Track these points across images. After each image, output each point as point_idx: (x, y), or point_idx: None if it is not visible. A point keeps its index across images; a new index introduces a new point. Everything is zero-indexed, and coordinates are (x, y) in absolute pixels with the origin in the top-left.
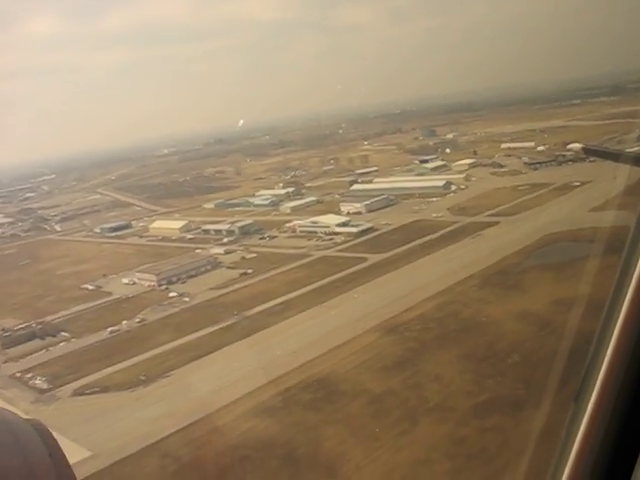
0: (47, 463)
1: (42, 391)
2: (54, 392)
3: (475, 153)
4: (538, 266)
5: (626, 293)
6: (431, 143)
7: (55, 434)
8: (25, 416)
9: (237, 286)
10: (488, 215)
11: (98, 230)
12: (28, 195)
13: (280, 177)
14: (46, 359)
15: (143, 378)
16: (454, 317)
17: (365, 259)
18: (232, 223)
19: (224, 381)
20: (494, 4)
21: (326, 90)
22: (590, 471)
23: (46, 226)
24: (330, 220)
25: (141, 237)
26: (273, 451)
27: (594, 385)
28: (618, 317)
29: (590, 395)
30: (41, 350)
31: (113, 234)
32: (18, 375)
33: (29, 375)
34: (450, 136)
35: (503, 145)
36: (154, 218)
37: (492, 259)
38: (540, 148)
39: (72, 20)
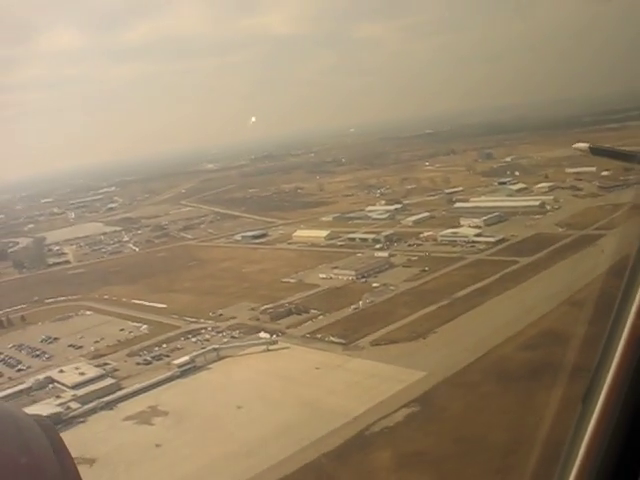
0: (51, 458)
1: (343, 344)
2: (356, 344)
3: (547, 177)
4: None
5: (636, 293)
6: (495, 166)
7: (390, 366)
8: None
9: (425, 279)
10: (593, 229)
11: (239, 237)
12: (110, 205)
13: (368, 194)
14: (320, 326)
15: (414, 335)
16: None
17: (517, 261)
18: (377, 233)
19: (479, 336)
20: (516, 20)
21: (347, 106)
22: (597, 472)
23: (172, 234)
24: (466, 231)
25: (289, 243)
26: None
27: (602, 386)
28: (627, 317)
29: (598, 396)
30: (307, 321)
31: (256, 241)
32: (308, 336)
33: (319, 335)
34: (509, 159)
35: (567, 170)
36: (280, 228)
37: (617, 258)
38: (604, 173)
39: (93, 33)
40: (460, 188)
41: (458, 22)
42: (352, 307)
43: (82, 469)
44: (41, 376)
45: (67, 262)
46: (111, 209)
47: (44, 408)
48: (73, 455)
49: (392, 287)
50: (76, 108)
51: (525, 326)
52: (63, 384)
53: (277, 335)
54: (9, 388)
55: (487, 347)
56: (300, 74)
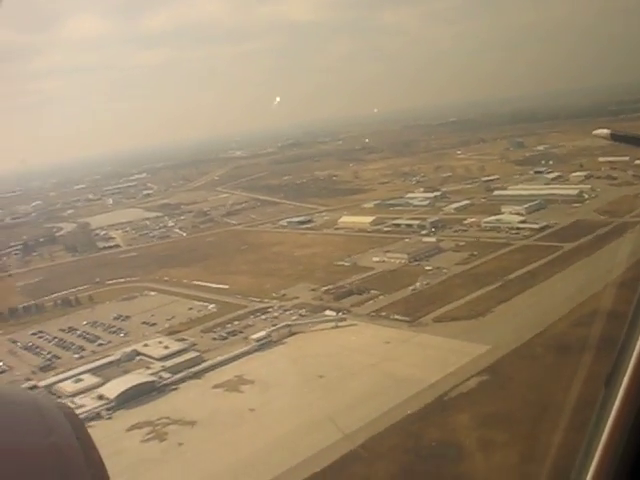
0: (74, 445)
1: (408, 322)
2: (419, 321)
3: (581, 166)
4: None
5: None
6: (527, 155)
7: (455, 340)
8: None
9: (476, 263)
10: (632, 216)
11: (285, 223)
12: (146, 192)
13: (404, 182)
14: (382, 305)
15: (474, 313)
16: None
17: (561, 247)
18: (422, 219)
19: (535, 314)
20: (537, 7)
21: (368, 94)
22: (621, 454)
23: (215, 219)
24: (510, 218)
25: (335, 229)
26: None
27: (626, 369)
28: None
29: (622, 379)
30: (368, 301)
31: (302, 226)
32: (373, 314)
33: (383, 313)
34: (541, 148)
35: (600, 159)
36: (324, 214)
37: None
38: (638, 162)
39: (113, 20)
40: (496, 176)
41: (479, 9)
42: (410, 288)
43: (184, 430)
44: (127, 349)
45: (117, 246)
46: (147, 195)
47: (138, 377)
48: (175, 418)
49: (445, 270)
50: (98, 95)
51: (577, 305)
52: (150, 356)
53: (343, 313)
54: (96, 360)
55: (544, 324)
56: (319, 61)
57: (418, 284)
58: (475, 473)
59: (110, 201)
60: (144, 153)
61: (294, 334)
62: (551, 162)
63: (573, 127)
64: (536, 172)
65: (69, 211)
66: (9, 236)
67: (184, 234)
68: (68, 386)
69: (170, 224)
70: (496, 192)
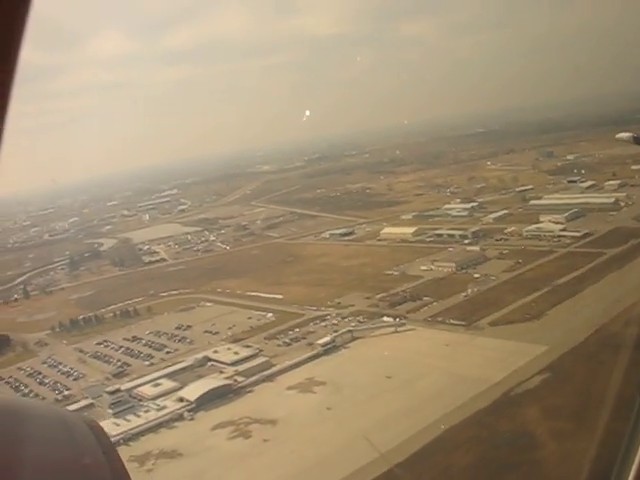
0: (101, 460)
1: (465, 326)
2: (475, 325)
3: (614, 174)
4: None
5: None
6: (559, 164)
7: (513, 342)
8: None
9: (522, 270)
10: None
11: (327, 235)
12: (181, 207)
13: (438, 194)
14: (436, 311)
15: (528, 316)
16: None
17: (604, 253)
18: (463, 229)
19: (586, 316)
20: (558, 14)
21: (390, 106)
22: None
23: (256, 233)
24: (550, 226)
25: (378, 240)
26: None
27: None
28: None
29: None
30: (423, 307)
31: (345, 238)
32: (429, 320)
33: (439, 319)
34: (571, 157)
35: (633, 167)
36: (364, 226)
37: None
38: None
39: (138, 38)
40: (530, 186)
41: (498, 19)
42: (462, 294)
43: (267, 428)
44: (198, 356)
45: (163, 260)
46: (182, 211)
47: (214, 381)
48: (256, 418)
49: (493, 277)
50: (122, 113)
51: (626, 306)
52: (221, 362)
53: (400, 319)
54: (169, 367)
55: (596, 325)
56: (341, 74)
57: (469, 290)
58: (548, 459)
59: (146, 217)
60: (171, 169)
61: (356, 339)
62: (583, 171)
63: (600, 136)
64: (569, 181)
65: (107, 227)
66: (51, 252)
67: (227, 247)
68: (148, 390)
69: (211, 238)
70: (532, 202)
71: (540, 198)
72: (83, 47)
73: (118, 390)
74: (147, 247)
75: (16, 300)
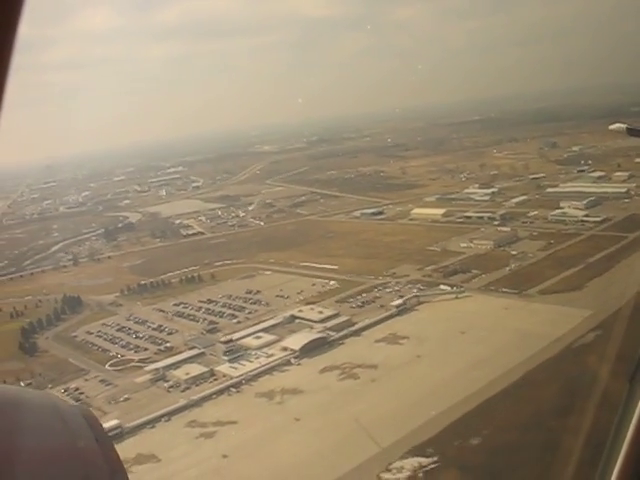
0: (94, 447)
1: (517, 293)
2: (526, 293)
3: (619, 166)
4: None
5: None
6: (565, 155)
7: (563, 307)
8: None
9: (555, 249)
10: None
11: (358, 214)
12: (195, 184)
13: (453, 179)
14: (487, 282)
15: (570, 287)
16: None
17: (626, 236)
18: (491, 212)
19: (623, 286)
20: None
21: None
22: None
23: (284, 210)
24: (573, 211)
25: (410, 220)
26: None
27: None
28: None
29: None
30: (473, 278)
31: (376, 217)
32: (483, 288)
33: (492, 288)
34: (575, 149)
35: (637, 160)
36: (391, 207)
37: None
38: None
39: (127, 14)
40: (542, 174)
41: (494, 5)
42: (506, 268)
43: (370, 371)
44: (286, 314)
45: (201, 233)
46: (197, 187)
47: (309, 334)
48: (356, 363)
49: (530, 254)
50: (112, 88)
51: None
52: (309, 319)
53: (456, 288)
54: (259, 324)
55: (630, 294)
56: (333, 57)
57: (512, 265)
58: (613, 391)
59: (163, 192)
60: (165, 146)
61: (422, 303)
62: (590, 162)
63: (599, 127)
64: (579, 171)
65: (125, 201)
66: (76, 224)
67: (262, 223)
68: (252, 342)
69: (241, 214)
70: (549, 189)
71: (556, 186)
72: (73, 21)
73: (231, 340)
74: (178, 221)
75: (64, 267)
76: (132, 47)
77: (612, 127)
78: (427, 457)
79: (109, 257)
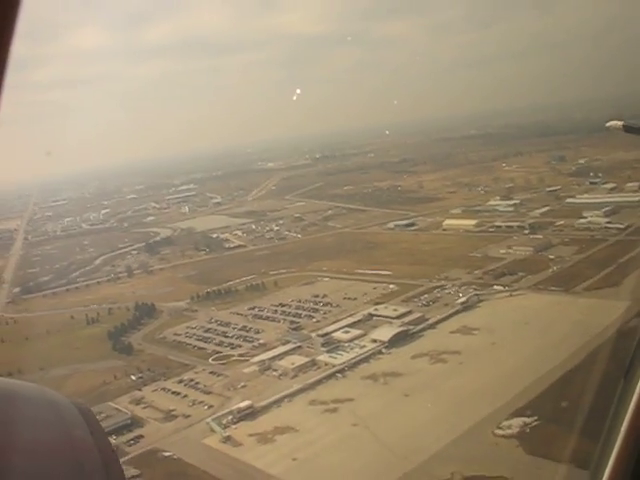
0: (89, 440)
1: (564, 291)
2: (572, 290)
3: (630, 177)
4: None
5: None
6: (573, 168)
7: (608, 300)
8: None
9: (588, 253)
10: None
11: (391, 225)
12: (215, 201)
13: (471, 192)
14: (534, 282)
15: (609, 284)
16: None
17: None
18: (522, 221)
19: None
20: (545, 16)
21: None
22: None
23: (316, 224)
24: (597, 220)
25: (443, 230)
26: None
27: None
28: None
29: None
30: (521, 279)
31: (410, 228)
32: (532, 287)
33: (541, 287)
34: (582, 161)
35: None
36: (420, 219)
37: None
38: None
39: (116, 32)
40: (558, 187)
41: (484, 20)
42: (549, 270)
43: (455, 356)
44: (364, 312)
45: (243, 246)
46: (218, 204)
47: (393, 328)
48: (441, 350)
49: (567, 258)
50: (101, 107)
51: None
52: (386, 316)
53: (508, 288)
54: (339, 321)
55: None
56: (324, 73)
57: (554, 267)
58: None
59: (185, 209)
60: (162, 164)
61: (482, 301)
62: (599, 174)
63: (598, 141)
64: (591, 183)
65: (149, 218)
66: (107, 239)
67: (299, 235)
68: (341, 335)
69: (275, 228)
70: (568, 200)
71: (574, 197)
72: (64, 40)
73: (327, 334)
74: (215, 235)
75: (118, 278)
76: (120, 66)
77: (609, 124)
78: (528, 417)
79: (161, 269)
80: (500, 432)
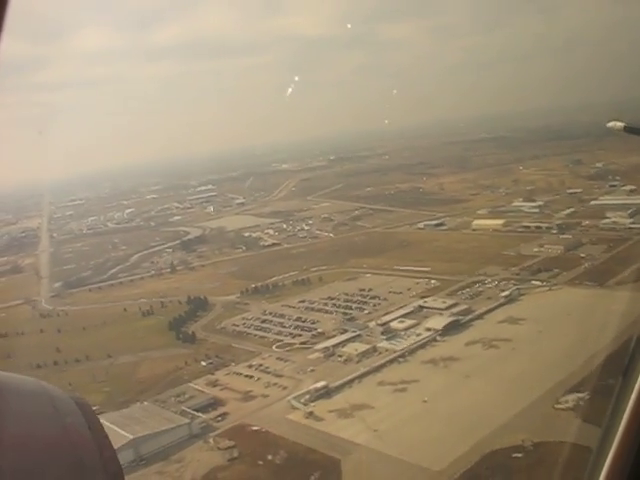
0: (86, 435)
1: (599, 285)
2: (606, 284)
3: None
4: None
5: None
6: (592, 171)
7: (635, 292)
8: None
9: (616, 250)
10: None
11: (421, 226)
12: (239, 201)
13: (494, 193)
14: (569, 277)
15: (638, 278)
16: None
17: None
18: (549, 221)
19: None
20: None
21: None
22: (639, 444)
23: (346, 223)
24: (622, 220)
25: (473, 230)
26: None
27: None
28: None
29: (639, 368)
30: (557, 275)
31: (440, 228)
32: (569, 282)
33: (576, 282)
34: (599, 165)
35: None
36: (448, 219)
37: None
38: None
39: (123, 34)
40: (579, 189)
41: (487, 23)
42: (582, 267)
43: (506, 344)
44: (414, 304)
45: (278, 244)
46: (241, 204)
47: (445, 318)
48: (491, 338)
49: (597, 256)
50: (107, 108)
51: None
52: (435, 308)
53: (546, 282)
54: (392, 312)
55: None
56: (330, 75)
57: (586, 264)
58: None
59: (210, 209)
60: (172, 165)
61: (523, 294)
62: (617, 177)
63: (610, 145)
64: (611, 186)
65: (175, 217)
66: (138, 238)
67: (331, 235)
68: (397, 325)
69: (306, 227)
70: (591, 202)
71: (595, 199)
72: (69, 40)
73: (384, 323)
74: (247, 234)
75: (161, 274)
76: (125, 67)
77: (610, 125)
78: (582, 393)
79: (202, 265)
80: (559, 406)
